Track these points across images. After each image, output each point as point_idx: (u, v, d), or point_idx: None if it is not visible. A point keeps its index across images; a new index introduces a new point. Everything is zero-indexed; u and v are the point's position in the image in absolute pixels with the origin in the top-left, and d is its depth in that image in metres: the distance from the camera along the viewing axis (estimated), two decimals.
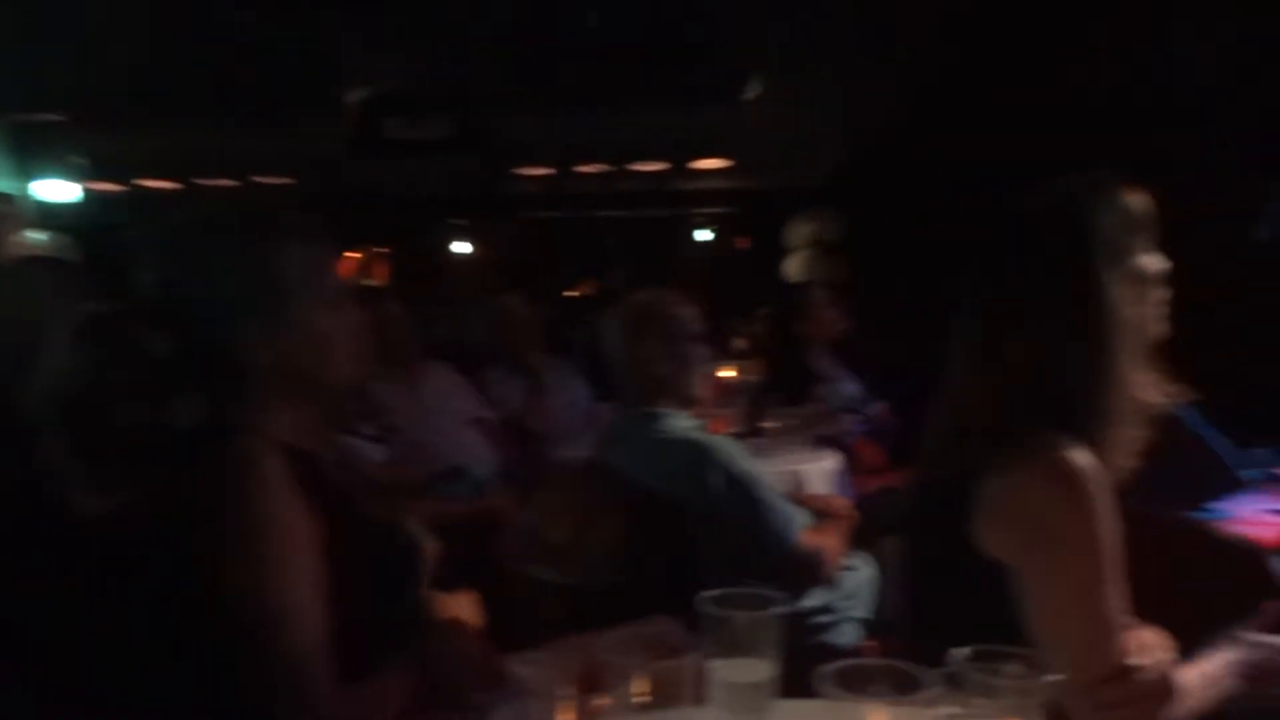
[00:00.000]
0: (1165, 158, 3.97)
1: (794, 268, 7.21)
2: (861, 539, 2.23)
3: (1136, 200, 1.24)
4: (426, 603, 1.22)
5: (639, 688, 0.79)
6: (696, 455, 1.98)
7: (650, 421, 2.08)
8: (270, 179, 7.24)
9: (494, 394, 3.69)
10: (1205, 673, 1.25)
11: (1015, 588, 1.13)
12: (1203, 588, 1.50)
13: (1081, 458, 1.10)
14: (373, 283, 8.99)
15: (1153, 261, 1.24)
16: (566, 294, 9.43)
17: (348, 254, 8.92)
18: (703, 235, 9.33)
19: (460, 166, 6.58)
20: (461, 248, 9.48)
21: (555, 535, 2.31)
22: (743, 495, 1.96)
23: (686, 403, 2.16)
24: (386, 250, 9.26)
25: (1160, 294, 1.25)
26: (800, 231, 7.26)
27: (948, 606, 1.26)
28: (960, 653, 0.86)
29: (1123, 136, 3.94)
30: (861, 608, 2.13)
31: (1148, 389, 1.21)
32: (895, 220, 5.86)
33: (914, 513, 1.38)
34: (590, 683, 0.83)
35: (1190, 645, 1.30)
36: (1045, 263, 1.21)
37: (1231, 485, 3.24)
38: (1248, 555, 1.51)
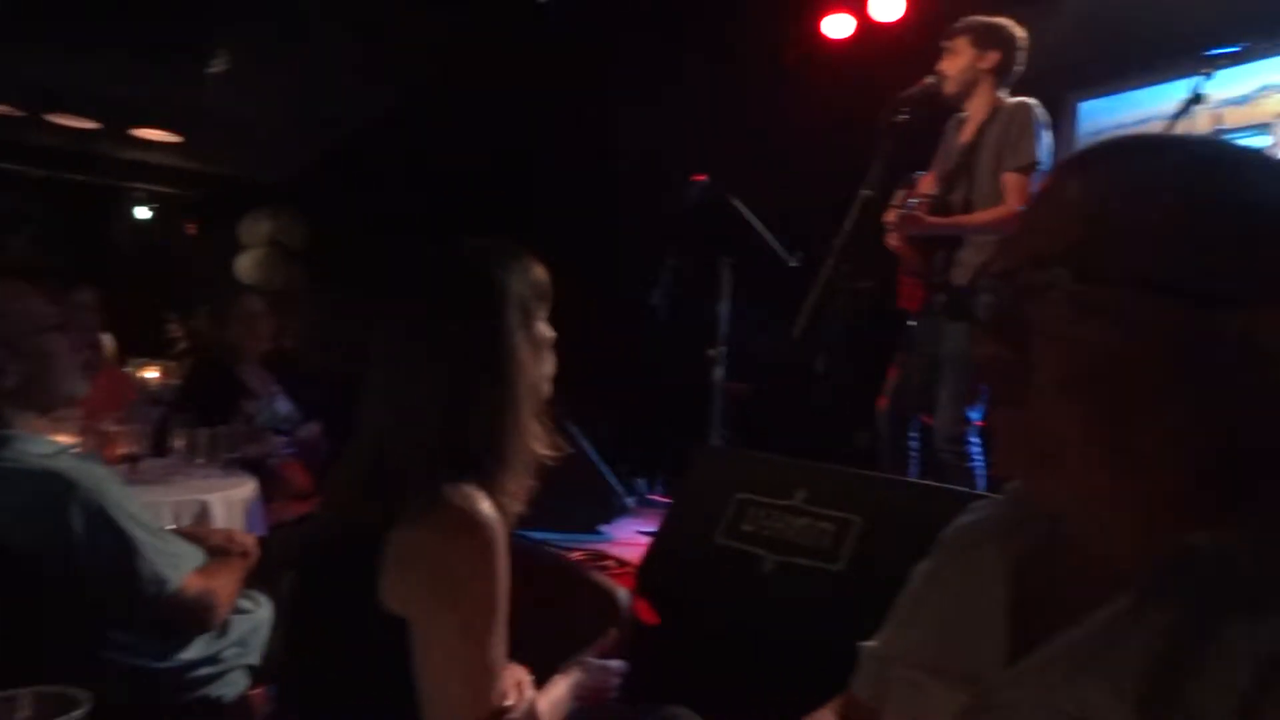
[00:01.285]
0: (591, 229, 4.57)
1: (246, 267, 6.67)
2: (264, 575, 2.08)
3: (540, 271, 1.35)
4: None
5: None
6: (53, 490, 1.64)
7: None
8: None
9: None
10: (554, 699, 1.39)
11: (408, 639, 1.13)
12: (563, 619, 1.68)
13: (486, 507, 1.15)
14: None
15: (548, 329, 1.36)
16: None
17: None
18: (143, 213, 8.15)
19: None
20: None
21: None
22: (112, 536, 1.68)
23: (46, 414, 1.80)
24: None
25: (551, 360, 1.37)
26: (257, 229, 6.76)
27: (335, 657, 1.22)
28: None
29: (560, 204, 4.42)
30: (253, 654, 1.97)
31: (541, 442, 1.31)
32: (355, 232, 5.78)
33: (311, 558, 1.32)
34: None
35: (547, 673, 1.44)
36: (463, 318, 1.26)
37: (617, 511, 3.79)
38: (600, 591, 1.72)
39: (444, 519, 1.13)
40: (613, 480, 3.62)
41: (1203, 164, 0.63)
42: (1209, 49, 2.15)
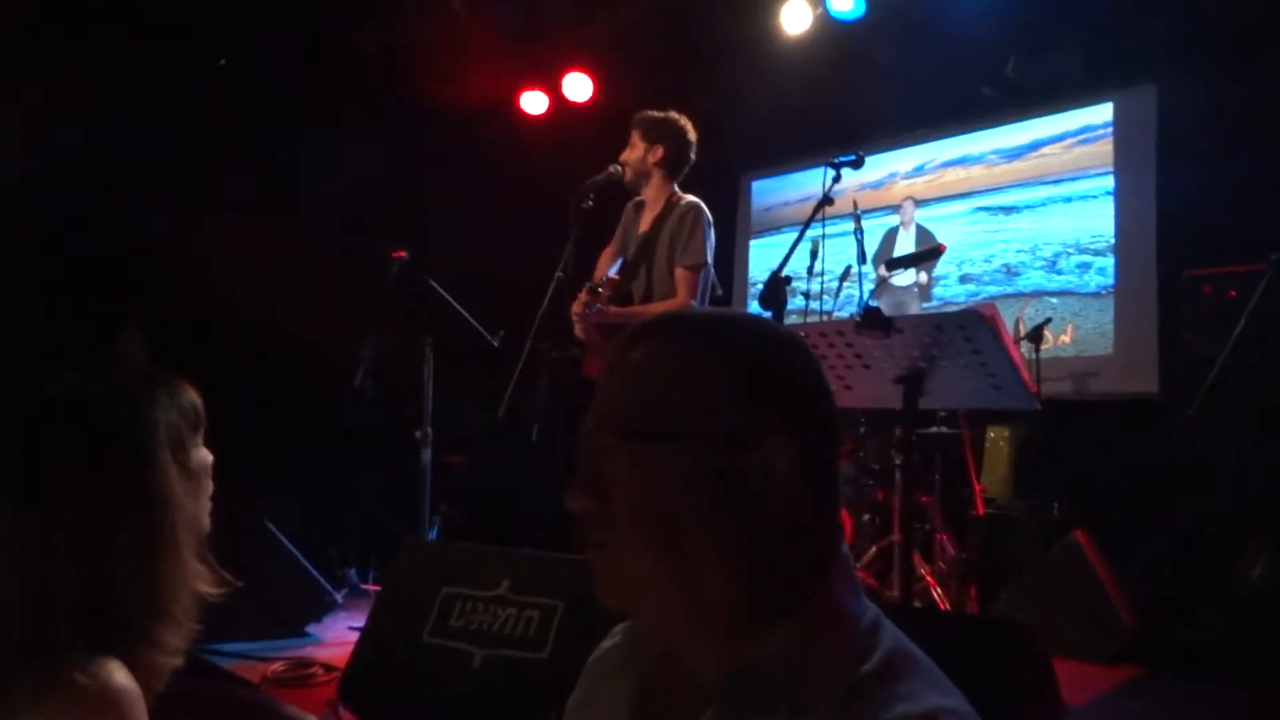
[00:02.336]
0: (287, 307, 4.33)
1: None
2: None
3: (189, 394, 1.25)
4: None
5: None
6: None
7: None
8: None
9: None
10: None
11: None
12: None
13: (119, 680, 1.02)
14: None
15: (205, 455, 1.26)
16: None
17: None
18: None
19: None
20: None
21: None
22: None
23: None
24: None
25: (210, 486, 1.27)
26: None
27: None
28: None
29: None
30: None
31: (203, 582, 1.20)
32: None
33: None
34: None
35: None
36: (104, 459, 1.12)
37: (324, 608, 3.56)
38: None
39: (64, 702, 0.99)
40: (317, 576, 3.41)
41: (722, 335, 0.76)
42: (838, 157, 2.52)
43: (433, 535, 4.13)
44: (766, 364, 0.74)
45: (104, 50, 4.13)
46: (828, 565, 0.73)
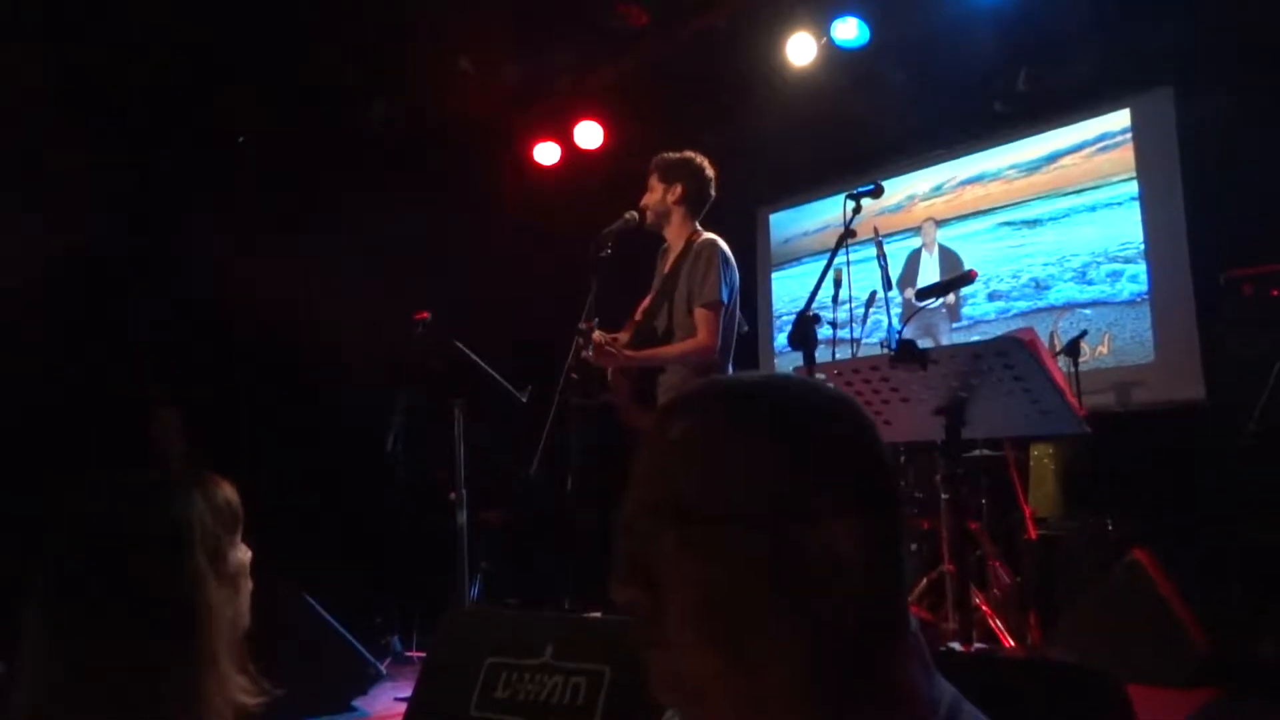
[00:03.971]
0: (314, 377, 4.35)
1: None
2: None
3: (226, 492, 1.22)
4: None
5: None
6: None
7: None
8: None
9: None
10: None
11: None
12: None
13: None
14: None
15: (243, 553, 1.22)
16: None
17: None
18: None
19: None
20: None
21: None
22: None
23: None
24: None
25: (249, 585, 1.23)
26: None
27: None
28: None
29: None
30: None
31: (241, 692, 1.16)
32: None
33: None
34: None
35: None
36: (136, 574, 1.08)
37: (369, 680, 3.51)
38: None
39: None
40: (360, 648, 3.36)
41: (767, 403, 0.69)
42: (857, 188, 2.48)
43: (474, 594, 4.08)
44: (819, 433, 0.67)
45: (129, 129, 4.22)
46: (897, 646, 0.66)
